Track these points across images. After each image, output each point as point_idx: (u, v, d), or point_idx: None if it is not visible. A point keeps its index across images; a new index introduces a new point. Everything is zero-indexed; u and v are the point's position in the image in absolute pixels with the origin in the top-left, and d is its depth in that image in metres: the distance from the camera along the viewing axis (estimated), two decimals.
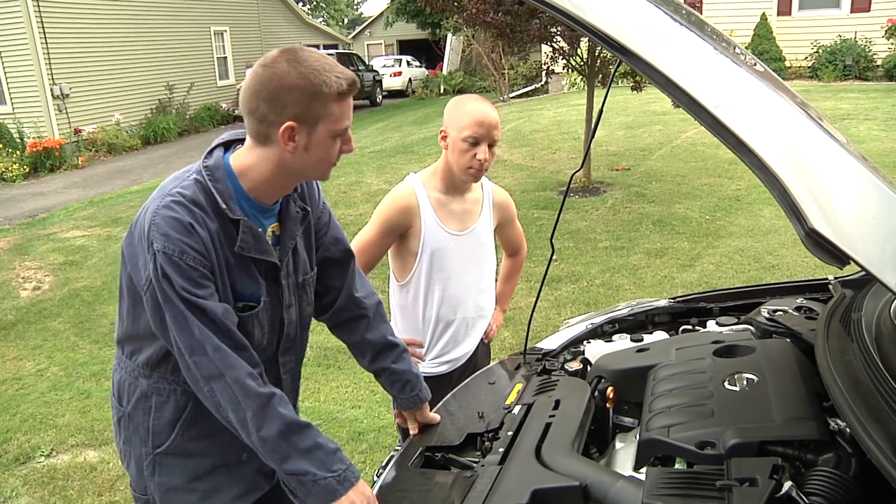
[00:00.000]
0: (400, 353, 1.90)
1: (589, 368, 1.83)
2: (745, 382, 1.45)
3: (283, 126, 1.48)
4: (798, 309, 1.86)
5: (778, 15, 15.38)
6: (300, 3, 35.86)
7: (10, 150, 13.40)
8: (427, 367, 2.41)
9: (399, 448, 1.71)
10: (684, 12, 1.17)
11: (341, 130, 1.54)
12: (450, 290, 2.33)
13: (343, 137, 1.56)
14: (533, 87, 19.66)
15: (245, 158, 1.58)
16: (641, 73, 1.10)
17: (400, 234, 2.28)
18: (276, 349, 1.75)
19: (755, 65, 1.20)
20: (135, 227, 1.58)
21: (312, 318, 1.87)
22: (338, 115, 1.52)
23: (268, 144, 1.53)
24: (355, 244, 2.32)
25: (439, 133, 2.24)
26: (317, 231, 1.82)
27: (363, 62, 24.06)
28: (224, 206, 1.53)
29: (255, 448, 1.56)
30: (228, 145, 1.63)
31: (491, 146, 2.19)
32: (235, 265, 1.58)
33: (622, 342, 1.96)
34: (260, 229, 1.62)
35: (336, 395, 4.22)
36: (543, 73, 9.89)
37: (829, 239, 1.01)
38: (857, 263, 1.04)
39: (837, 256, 1.02)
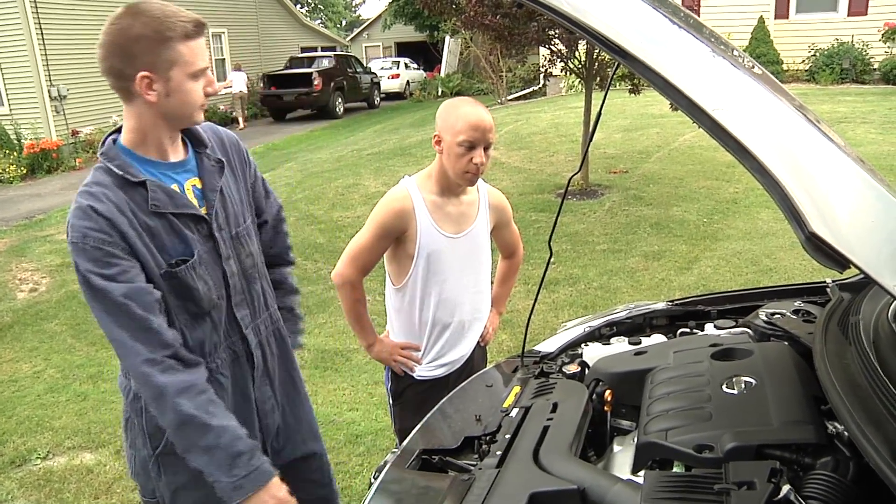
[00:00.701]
0: (299, 300, 2.18)
1: (587, 371, 1.83)
2: (742, 386, 1.45)
3: (138, 76, 1.54)
4: (796, 312, 1.86)
5: (775, 18, 15.41)
6: (298, 6, 35.87)
7: (8, 152, 13.38)
8: (423, 371, 2.40)
9: (396, 451, 1.70)
10: (682, 14, 1.17)
11: (198, 71, 1.61)
12: (446, 293, 2.33)
13: (204, 79, 1.63)
14: (531, 89, 19.67)
15: (126, 123, 1.65)
16: (641, 75, 1.10)
17: (396, 237, 2.28)
18: (228, 303, 1.78)
19: (753, 67, 1.19)
20: None
21: (265, 276, 1.96)
22: (189, 57, 1.58)
23: (133, 99, 1.60)
24: (351, 248, 2.32)
25: (433, 138, 2.23)
26: (255, 190, 1.94)
27: (361, 64, 24.05)
28: (123, 173, 1.59)
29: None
30: (120, 130, 1.70)
31: (486, 149, 2.19)
32: (160, 226, 1.63)
33: (620, 345, 1.95)
34: (174, 185, 1.68)
35: (333, 398, 4.21)
36: (541, 75, 9.86)
37: (829, 243, 1.00)
38: (855, 266, 1.04)
39: (838, 260, 1.02)
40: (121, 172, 1.60)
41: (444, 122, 2.20)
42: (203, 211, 1.72)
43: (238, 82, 18.84)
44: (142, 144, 1.65)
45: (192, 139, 1.77)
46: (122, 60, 1.55)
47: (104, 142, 1.67)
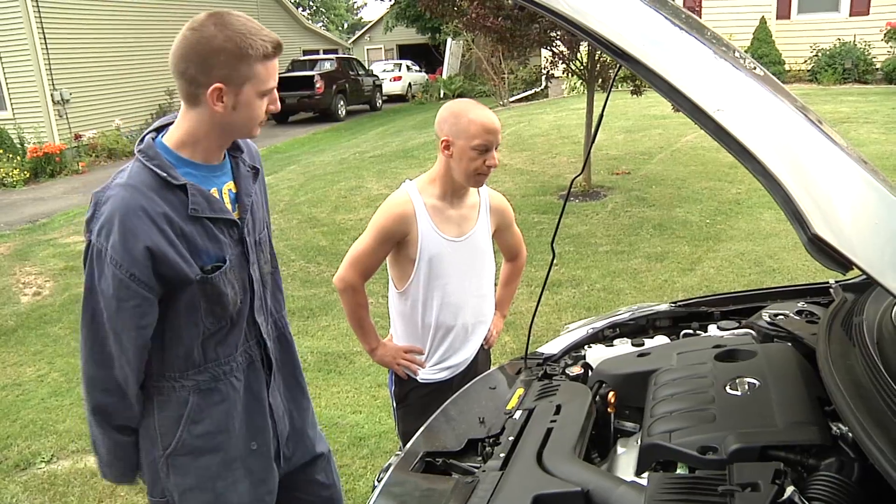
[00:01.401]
0: None
1: (590, 373, 1.83)
2: (746, 387, 1.45)
3: (211, 87, 1.55)
4: (799, 313, 1.85)
5: (777, 18, 15.39)
6: (300, 8, 35.93)
7: (11, 156, 13.41)
8: (427, 374, 2.40)
9: (400, 453, 1.70)
10: (683, 16, 1.17)
11: (267, 90, 1.63)
12: (449, 297, 2.33)
13: (269, 97, 1.64)
14: (533, 91, 19.67)
15: (180, 123, 1.66)
16: (643, 78, 1.10)
17: (397, 241, 2.28)
18: (250, 308, 1.80)
19: (755, 68, 1.20)
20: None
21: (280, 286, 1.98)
22: (264, 77, 1.60)
23: (198, 105, 1.60)
24: (352, 253, 2.32)
25: (441, 143, 2.23)
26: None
27: (363, 67, 24.07)
28: (165, 175, 1.59)
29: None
30: (160, 130, 1.70)
31: (496, 149, 2.21)
32: (195, 231, 1.64)
33: (623, 347, 1.95)
34: (213, 189, 1.70)
35: (337, 401, 4.21)
36: (543, 77, 9.90)
37: (832, 244, 1.00)
38: (858, 268, 1.04)
39: (840, 262, 1.02)
40: (163, 174, 1.60)
41: (454, 127, 2.20)
42: (235, 215, 1.74)
43: None
44: (189, 147, 1.66)
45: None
46: (198, 68, 1.55)
47: (143, 139, 1.66)
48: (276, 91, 1.66)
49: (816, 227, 1.00)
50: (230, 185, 1.76)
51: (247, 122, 1.64)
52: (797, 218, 1.02)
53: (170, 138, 1.66)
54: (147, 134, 1.69)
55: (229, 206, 1.73)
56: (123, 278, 1.55)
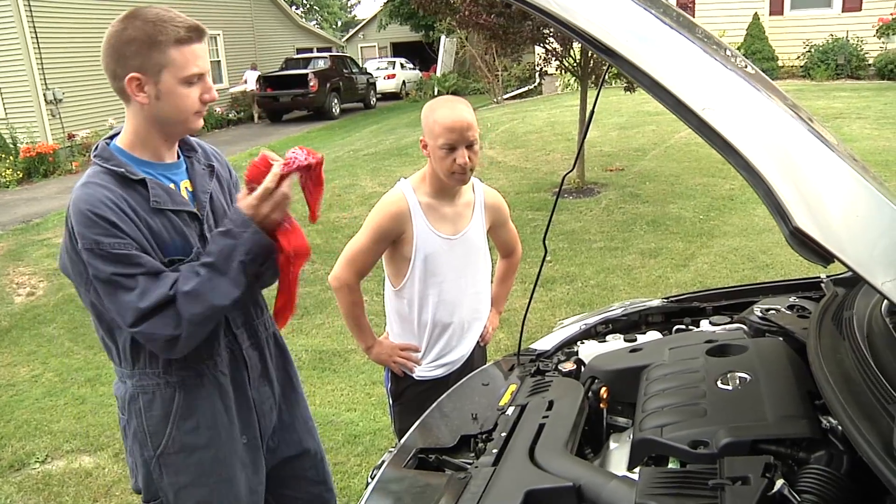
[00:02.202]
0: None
1: (583, 369, 1.83)
2: (737, 381, 1.46)
3: (128, 78, 1.57)
4: (791, 308, 1.86)
5: (770, 14, 15.43)
6: (293, 7, 35.84)
7: (4, 156, 13.37)
8: (423, 371, 2.41)
9: (393, 450, 1.71)
10: (674, 14, 1.18)
11: (190, 77, 1.61)
12: (445, 294, 2.33)
13: (200, 85, 1.63)
14: (526, 88, 19.67)
15: (126, 125, 1.69)
16: (629, 75, 1.10)
17: (393, 240, 2.28)
18: None
19: (746, 67, 1.20)
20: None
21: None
22: (181, 62, 1.59)
23: (129, 100, 1.62)
24: (348, 251, 2.32)
25: (420, 142, 2.24)
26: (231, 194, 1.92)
27: (357, 65, 24.03)
28: (123, 171, 1.61)
29: (229, 303, 1.63)
30: (113, 137, 1.73)
31: (470, 147, 2.18)
32: (160, 224, 1.65)
33: (616, 342, 1.96)
34: (172, 185, 1.71)
35: (332, 399, 4.22)
36: (537, 74, 9.89)
37: (815, 238, 1.01)
38: (844, 264, 1.04)
39: (822, 255, 1.03)
40: (120, 170, 1.62)
41: (425, 126, 2.22)
42: (196, 210, 1.75)
43: (252, 81, 19.53)
44: (139, 146, 1.68)
45: (181, 144, 1.80)
46: (115, 61, 1.58)
47: (97, 146, 1.68)
48: (207, 79, 1.65)
49: (798, 221, 1.01)
50: (186, 183, 1.77)
51: (178, 113, 1.64)
52: (779, 211, 1.03)
53: (121, 141, 1.69)
54: (101, 141, 1.71)
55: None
56: (122, 252, 1.56)
